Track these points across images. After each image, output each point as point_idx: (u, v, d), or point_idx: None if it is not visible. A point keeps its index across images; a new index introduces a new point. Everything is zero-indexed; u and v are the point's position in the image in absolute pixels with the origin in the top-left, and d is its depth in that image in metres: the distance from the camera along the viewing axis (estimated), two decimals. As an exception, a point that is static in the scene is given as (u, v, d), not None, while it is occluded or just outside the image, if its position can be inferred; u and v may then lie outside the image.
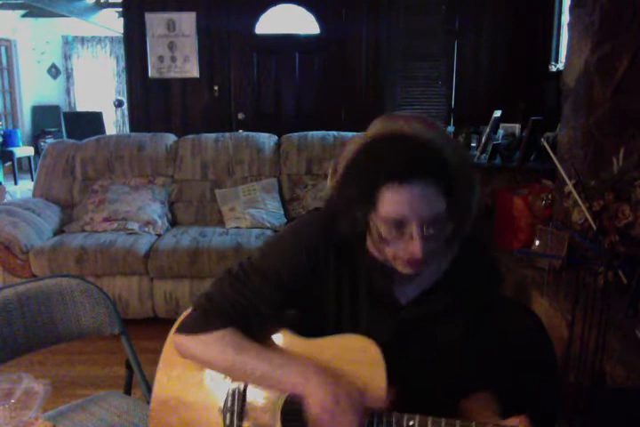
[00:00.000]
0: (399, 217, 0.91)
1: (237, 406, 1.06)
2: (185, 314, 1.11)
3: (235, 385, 1.08)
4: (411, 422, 0.93)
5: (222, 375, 1.09)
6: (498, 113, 3.80)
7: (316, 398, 0.95)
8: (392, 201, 0.90)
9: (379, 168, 0.90)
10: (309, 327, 1.08)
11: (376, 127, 0.97)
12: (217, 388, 1.09)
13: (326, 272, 1.06)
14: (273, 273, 1.05)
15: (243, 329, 1.05)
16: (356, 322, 1.06)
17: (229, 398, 1.07)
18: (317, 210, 1.11)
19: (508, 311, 1.15)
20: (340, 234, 1.01)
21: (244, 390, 1.07)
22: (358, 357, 1.00)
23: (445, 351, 1.07)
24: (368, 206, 0.93)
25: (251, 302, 1.04)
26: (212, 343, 1.04)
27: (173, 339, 1.09)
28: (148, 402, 1.48)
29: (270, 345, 1.08)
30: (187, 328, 1.07)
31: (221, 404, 1.07)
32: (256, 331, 1.06)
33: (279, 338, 1.09)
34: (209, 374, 1.10)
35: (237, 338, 1.04)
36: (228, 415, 1.06)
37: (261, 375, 1.01)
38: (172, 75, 5.10)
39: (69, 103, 9.61)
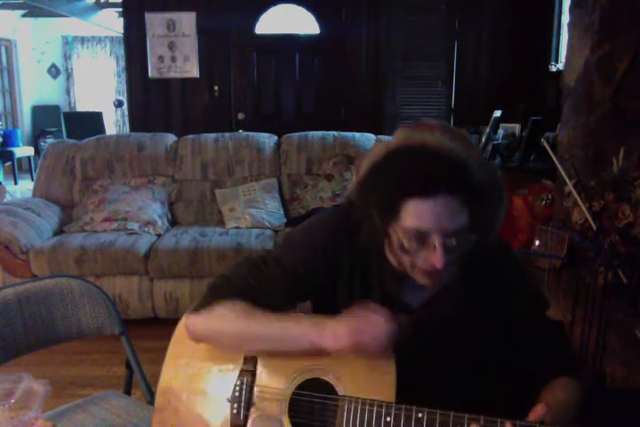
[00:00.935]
0: (422, 229, 0.92)
1: (245, 396, 1.06)
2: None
3: (243, 375, 1.08)
4: (419, 415, 0.93)
5: (230, 365, 1.09)
6: (498, 113, 3.80)
7: (337, 340, 0.96)
8: (415, 214, 0.91)
9: (402, 181, 0.91)
10: None
11: (400, 136, 0.97)
12: (223, 378, 1.10)
13: (340, 270, 1.08)
14: (289, 264, 1.08)
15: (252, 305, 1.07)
16: None
17: (237, 388, 1.07)
18: (338, 207, 1.13)
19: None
20: (356, 234, 1.03)
21: (253, 379, 1.07)
22: None
23: (456, 351, 1.07)
24: (390, 217, 0.94)
25: (264, 286, 1.07)
26: (223, 313, 1.05)
27: (185, 322, 1.11)
28: (148, 402, 1.49)
29: None
30: (199, 306, 1.09)
31: (229, 394, 1.08)
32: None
33: None
34: (216, 363, 1.11)
35: (248, 307, 1.06)
36: (236, 405, 1.07)
37: (277, 336, 1.03)
38: (172, 75, 5.10)
39: (69, 103, 9.62)
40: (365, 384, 0.98)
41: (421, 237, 0.93)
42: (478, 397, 1.09)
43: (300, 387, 1.04)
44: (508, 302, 1.10)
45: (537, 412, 0.91)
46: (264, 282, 1.07)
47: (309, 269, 1.08)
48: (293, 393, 1.04)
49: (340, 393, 0.99)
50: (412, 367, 0.99)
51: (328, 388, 1.01)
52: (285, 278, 1.07)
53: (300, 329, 1.01)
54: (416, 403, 0.96)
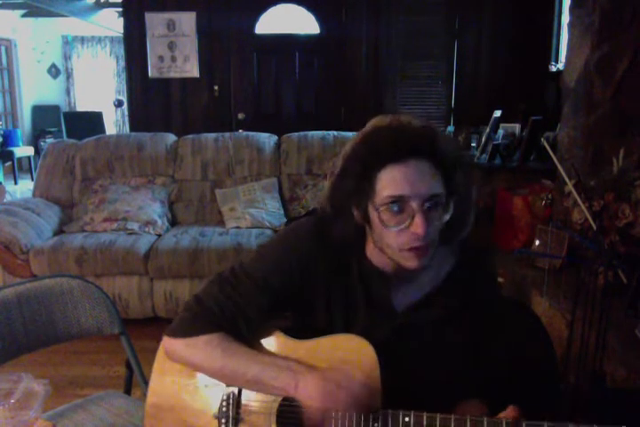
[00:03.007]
0: (399, 195, 0.93)
1: (232, 411, 1.05)
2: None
3: (229, 390, 1.07)
4: (406, 419, 0.93)
5: (216, 381, 1.09)
6: (498, 113, 3.79)
7: (308, 400, 0.96)
8: (390, 182, 0.94)
9: (374, 154, 0.95)
10: (302, 331, 1.08)
11: (372, 122, 1.02)
12: (211, 393, 1.09)
13: (316, 279, 1.06)
14: (262, 278, 1.06)
15: (231, 333, 1.05)
16: (350, 328, 1.06)
17: (224, 403, 1.06)
18: (312, 214, 1.12)
19: (506, 311, 1.15)
20: (332, 241, 1.03)
21: (239, 394, 1.07)
22: (352, 357, 1.00)
23: (442, 355, 1.07)
24: (367, 195, 0.96)
25: (239, 306, 1.05)
26: (201, 347, 1.04)
27: (163, 343, 1.10)
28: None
29: (260, 348, 1.08)
30: (176, 331, 1.08)
31: (216, 409, 1.07)
32: (245, 335, 1.06)
33: (272, 340, 1.09)
34: (202, 379, 1.10)
35: (226, 342, 1.04)
36: (224, 420, 1.05)
37: (251, 379, 1.02)
38: (172, 75, 5.10)
39: (69, 103, 9.61)
40: None
41: (400, 206, 0.94)
42: (463, 398, 1.09)
43: (286, 398, 1.03)
44: (486, 313, 1.10)
45: (508, 413, 0.90)
46: (237, 300, 1.05)
47: (283, 281, 1.06)
48: (280, 405, 1.03)
49: None
50: (397, 370, 0.98)
51: None
52: (258, 292, 1.06)
53: (274, 379, 1.00)
54: (402, 406, 0.95)
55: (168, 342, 1.09)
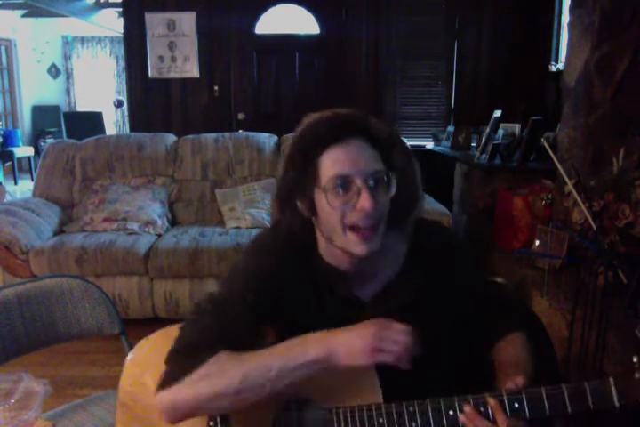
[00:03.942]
0: (342, 174, 0.95)
1: None
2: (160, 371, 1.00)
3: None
4: (410, 409, 0.92)
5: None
6: (498, 113, 3.80)
7: (355, 342, 0.90)
8: (334, 161, 0.97)
9: (314, 139, 0.99)
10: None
11: (302, 123, 1.06)
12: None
13: (288, 286, 1.06)
14: (238, 298, 1.03)
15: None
16: (327, 328, 1.02)
17: (211, 423, 1.02)
18: (270, 229, 1.14)
19: (503, 309, 1.14)
20: (293, 246, 1.05)
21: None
22: None
23: (423, 338, 1.06)
24: (313, 180, 0.98)
25: (226, 330, 1.00)
26: (209, 372, 0.94)
27: (159, 402, 0.95)
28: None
29: None
30: (169, 380, 0.96)
31: None
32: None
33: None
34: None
35: (232, 355, 0.96)
36: None
37: (279, 371, 0.92)
38: (172, 75, 5.10)
39: (69, 103, 9.62)
40: (350, 393, 0.96)
41: (345, 186, 0.96)
42: (451, 379, 1.07)
43: (282, 409, 1.01)
44: (453, 278, 1.09)
45: (516, 381, 0.92)
46: (222, 325, 1.00)
47: (258, 293, 1.03)
48: (276, 414, 1.01)
49: (324, 406, 0.96)
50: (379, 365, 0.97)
51: (309, 404, 0.98)
52: (238, 312, 1.02)
53: (302, 354, 0.92)
54: (392, 394, 0.95)
55: (169, 395, 0.94)
